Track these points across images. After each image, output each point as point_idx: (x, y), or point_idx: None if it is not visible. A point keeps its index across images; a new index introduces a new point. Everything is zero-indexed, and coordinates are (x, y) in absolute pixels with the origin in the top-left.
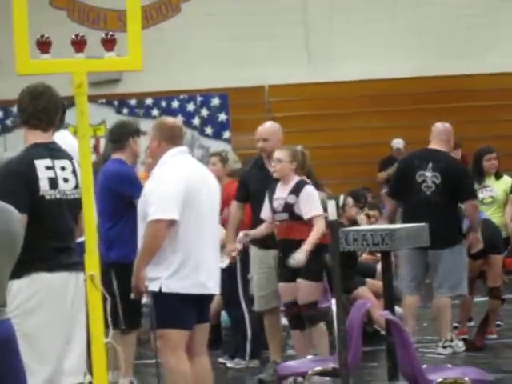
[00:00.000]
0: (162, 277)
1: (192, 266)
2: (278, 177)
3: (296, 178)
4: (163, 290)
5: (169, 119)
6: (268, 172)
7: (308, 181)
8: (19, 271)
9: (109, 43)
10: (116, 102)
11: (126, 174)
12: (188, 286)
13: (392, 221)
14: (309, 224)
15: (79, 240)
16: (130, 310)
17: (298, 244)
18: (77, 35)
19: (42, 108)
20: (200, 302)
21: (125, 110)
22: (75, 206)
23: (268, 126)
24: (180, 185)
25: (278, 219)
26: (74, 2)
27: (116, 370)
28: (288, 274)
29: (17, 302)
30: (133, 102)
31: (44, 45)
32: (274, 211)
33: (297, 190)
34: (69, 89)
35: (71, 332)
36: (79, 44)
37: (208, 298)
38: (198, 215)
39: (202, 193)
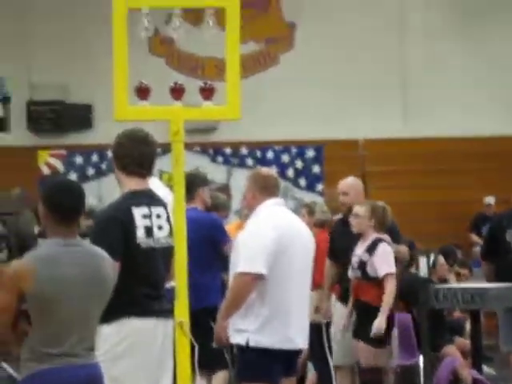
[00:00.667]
0: (249, 330)
1: (281, 321)
2: (356, 232)
3: (373, 236)
4: (250, 344)
5: (263, 170)
6: (350, 227)
7: (386, 238)
8: (109, 316)
9: (207, 92)
10: (211, 151)
11: (213, 220)
12: (276, 342)
13: (490, 281)
14: (379, 285)
15: (167, 286)
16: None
17: (364, 305)
18: (175, 83)
19: (148, 154)
20: (288, 356)
21: (219, 159)
22: (168, 253)
23: (349, 180)
24: (271, 237)
25: (354, 276)
26: (173, 49)
27: None
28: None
29: (106, 347)
30: (228, 150)
31: (143, 91)
32: (353, 267)
33: (372, 248)
34: (161, 135)
35: (159, 378)
36: (178, 92)
37: (296, 353)
38: (290, 267)
39: (295, 245)
